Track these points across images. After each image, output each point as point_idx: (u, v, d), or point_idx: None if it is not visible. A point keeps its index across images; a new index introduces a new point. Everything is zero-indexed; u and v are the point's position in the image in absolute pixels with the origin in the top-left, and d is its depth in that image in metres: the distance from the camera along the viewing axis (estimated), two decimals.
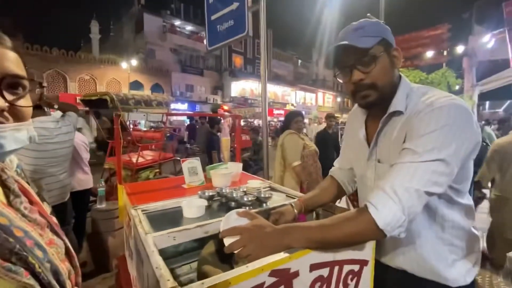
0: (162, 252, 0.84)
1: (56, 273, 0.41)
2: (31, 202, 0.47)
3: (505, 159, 2.04)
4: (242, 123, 12.12)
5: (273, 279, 0.60)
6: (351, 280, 0.79)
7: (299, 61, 33.75)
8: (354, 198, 2.86)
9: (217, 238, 0.93)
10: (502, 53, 9.96)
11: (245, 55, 27.09)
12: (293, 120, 2.71)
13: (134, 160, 3.29)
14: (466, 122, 0.67)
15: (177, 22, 23.82)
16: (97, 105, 3.54)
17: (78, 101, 3.81)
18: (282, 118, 18.96)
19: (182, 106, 21.33)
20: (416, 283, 0.82)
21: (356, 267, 0.82)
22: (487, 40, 10.22)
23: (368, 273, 0.83)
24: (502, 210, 2.06)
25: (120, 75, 18.26)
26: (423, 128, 0.67)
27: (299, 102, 27.88)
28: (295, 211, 0.92)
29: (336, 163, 1.09)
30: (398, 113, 0.76)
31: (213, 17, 2.92)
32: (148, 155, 3.78)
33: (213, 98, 23.73)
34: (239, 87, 24.07)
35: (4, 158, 0.46)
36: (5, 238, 0.36)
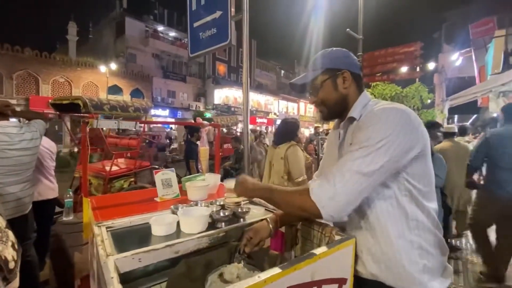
0: (128, 274, 0.76)
1: None
2: None
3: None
4: (225, 131, 12.02)
5: None
6: None
7: (282, 71, 34.43)
8: None
9: (188, 258, 0.86)
10: (469, 70, 10.77)
11: (229, 63, 27.22)
12: (296, 130, 2.55)
13: (107, 168, 3.11)
14: (403, 120, 0.75)
15: (160, 28, 23.55)
16: (68, 110, 3.33)
17: (48, 104, 3.56)
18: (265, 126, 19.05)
19: (163, 113, 20.86)
20: None
21: (334, 287, 0.79)
22: (455, 58, 11.03)
23: None
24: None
25: (98, 78, 17.60)
26: (362, 128, 0.79)
27: (281, 111, 28.26)
28: (270, 226, 0.94)
29: (315, 175, 1.10)
30: (352, 119, 0.88)
31: (195, 24, 2.89)
32: (123, 164, 3.60)
33: (195, 105, 23.46)
34: (223, 95, 24.01)
35: None
36: None
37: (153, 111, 18.67)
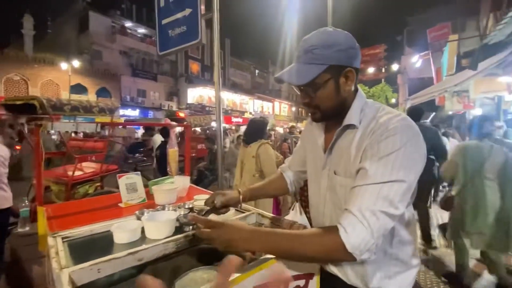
0: (88, 286, 0.71)
1: None
2: None
3: None
4: (199, 130, 11.78)
5: None
6: None
7: (256, 71, 34.61)
8: (306, 204, 2.94)
9: (153, 265, 0.83)
10: (427, 72, 11.65)
11: (202, 62, 26.74)
12: (265, 129, 2.61)
13: (69, 173, 2.90)
14: (417, 142, 0.71)
15: (128, 24, 22.44)
16: (23, 111, 3.05)
17: None
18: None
19: (133, 113, 19.95)
20: None
21: (301, 282, 0.81)
22: (416, 60, 11.87)
23: (313, 286, 0.83)
24: None
25: (60, 76, 16.36)
26: (382, 150, 0.69)
27: (257, 110, 28.44)
28: (241, 197, 0.98)
29: (286, 161, 1.13)
30: (352, 126, 0.79)
31: (164, 21, 2.79)
32: (88, 167, 3.38)
33: (168, 105, 22.75)
34: (196, 94, 23.53)
35: None
36: None
37: (121, 111, 17.76)
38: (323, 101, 0.78)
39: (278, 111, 31.77)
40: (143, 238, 0.86)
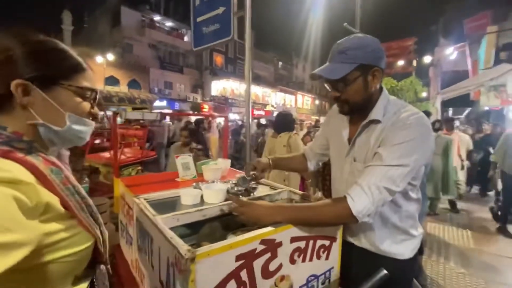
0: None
1: (103, 234, 0.58)
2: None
3: None
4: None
5: (262, 246, 0.76)
6: (323, 252, 0.97)
7: (280, 63, 34.31)
8: (327, 194, 3.13)
9: (213, 221, 1.08)
10: (463, 64, 10.99)
11: (226, 55, 27.04)
12: (293, 123, 2.94)
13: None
14: (427, 136, 0.87)
15: (157, 18, 23.23)
16: None
17: None
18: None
19: (161, 104, 20.85)
20: (373, 258, 1.02)
21: (327, 242, 1.01)
22: (450, 52, 11.20)
23: (336, 248, 1.03)
24: None
25: (95, 69, 16.90)
26: (396, 139, 0.85)
27: (279, 103, 28.32)
28: (270, 163, 1.22)
29: (308, 144, 1.35)
30: (376, 121, 0.93)
31: (199, 19, 3.01)
32: (130, 153, 3.79)
33: (193, 97, 23.42)
34: (220, 86, 23.94)
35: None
36: (89, 204, 0.51)
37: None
38: (352, 96, 0.91)
39: (301, 104, 31.39)
40: (201, 203, 1.11)
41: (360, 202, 0.81)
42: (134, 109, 3.71)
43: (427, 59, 13.63)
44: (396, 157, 0.83)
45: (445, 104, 8.22)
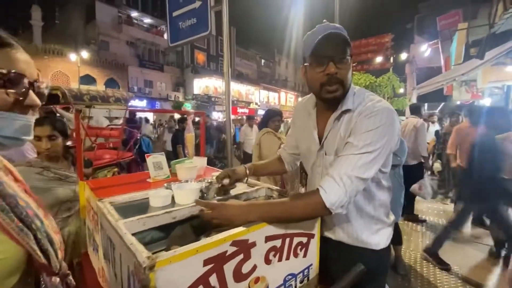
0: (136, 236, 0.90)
1: (51, 243, 0.48)
2: (15, 179, 0.52)
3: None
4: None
5: (234, 248, 0.71)
6: (300, 250, 0.94)
7: (262, 60, 34.33)
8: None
9: (183, 223, 1.01)
10: (436, 61, 11.46)
11: (208, 52, 26.68)
12: (271, 118, 2.81)
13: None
14: (393, 123, 0.87)
15: (134, 14, 22.46)
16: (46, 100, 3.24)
17: None
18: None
19: (141, 103, 20.23)
20: (350, 250, 1.02)
21: (304, 239, 0.97)
22: (425, 49, 11.65)
23: (314, 245, 1.00)
24: None
25: (68, 67, 16.63)
26: (364, 127, 0.85)
27: (262, 101, 28.38)
28: (247, 172, 1.16)
29: (283, 146, 1.32)
30: (347, 111, 0.92)
31: (174, 14, 2.90)
32: (106, 154, 3.60)
33: (174, 95, 22.93)
34: (202, 84, 23.60)
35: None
36: (15, 204, 0.42)
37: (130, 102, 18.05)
38: (345, 77, 0.88)
39: (284, 101, 31.63)
40: (172, 204, 1.04)
41: (333, 194, 0.80)
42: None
43: (403, 56, 14.14)
44: (366, 145, 0.83)
45: (421, 99, 8.56)
